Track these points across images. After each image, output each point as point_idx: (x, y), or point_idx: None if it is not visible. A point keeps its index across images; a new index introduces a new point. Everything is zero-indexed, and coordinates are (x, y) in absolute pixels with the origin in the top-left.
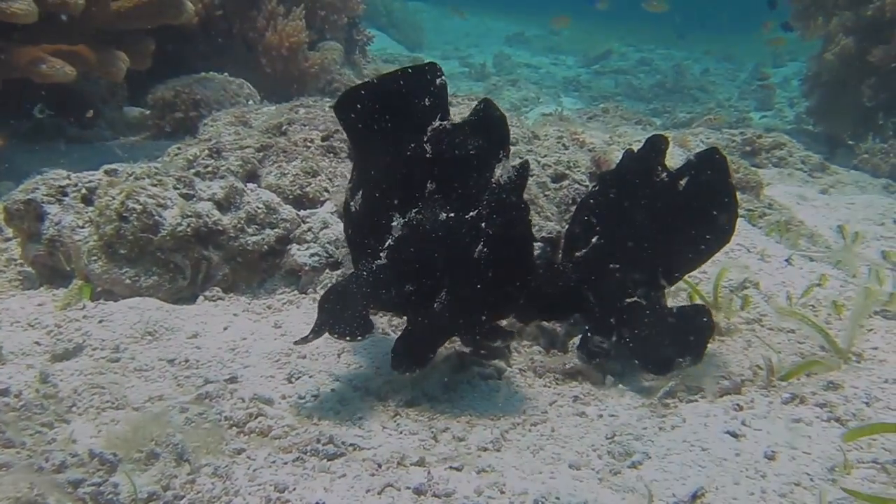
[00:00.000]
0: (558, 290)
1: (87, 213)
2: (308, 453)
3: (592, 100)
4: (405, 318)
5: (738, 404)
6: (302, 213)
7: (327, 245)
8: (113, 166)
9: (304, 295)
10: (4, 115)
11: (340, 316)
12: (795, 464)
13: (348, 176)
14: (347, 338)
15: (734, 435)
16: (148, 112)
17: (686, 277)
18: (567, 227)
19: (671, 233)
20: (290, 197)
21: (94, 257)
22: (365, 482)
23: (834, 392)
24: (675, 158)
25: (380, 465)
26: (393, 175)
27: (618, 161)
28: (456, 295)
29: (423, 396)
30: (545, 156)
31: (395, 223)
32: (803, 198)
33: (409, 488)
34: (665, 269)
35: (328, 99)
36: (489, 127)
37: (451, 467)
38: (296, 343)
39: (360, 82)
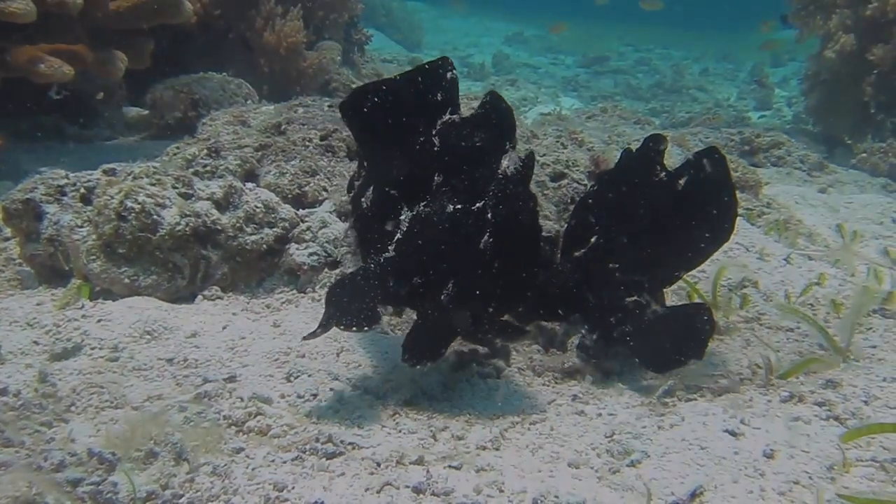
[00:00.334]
0: (557, 289)
1: (85, 212)
2: (307, 452)
3: (591, 99)
4: (407, 315)
5: (737, 403)
6: (301, 212)
7: (326, 244)
8: (111, 166)
9: (302, 294)
10: (3, 115)
11: (348, 308)
12: (794, 462)
13: (347, 175)
14: (354, 328)
15: (733, 433)
16: (147, 112)
17: (685, 276)
18: (566, 226)
19: (670, 232)
20: (289, 196)
21: (93, 257)
22: (364, 481)
23: (833, 390)
24: (673, 158)
25: (379, 464)
26: (402, 169)
27: (616, 160)
28: (463, 286)
29: (422, 395)
30: (544, 155)
31: (403, 216)
32: (802, 197)
33: (408, 487)
34: (665, 269)
35: (327, 98)
36: (496, 119)
37: (450, 466)
38: (304, 338)
39: (365, 82)
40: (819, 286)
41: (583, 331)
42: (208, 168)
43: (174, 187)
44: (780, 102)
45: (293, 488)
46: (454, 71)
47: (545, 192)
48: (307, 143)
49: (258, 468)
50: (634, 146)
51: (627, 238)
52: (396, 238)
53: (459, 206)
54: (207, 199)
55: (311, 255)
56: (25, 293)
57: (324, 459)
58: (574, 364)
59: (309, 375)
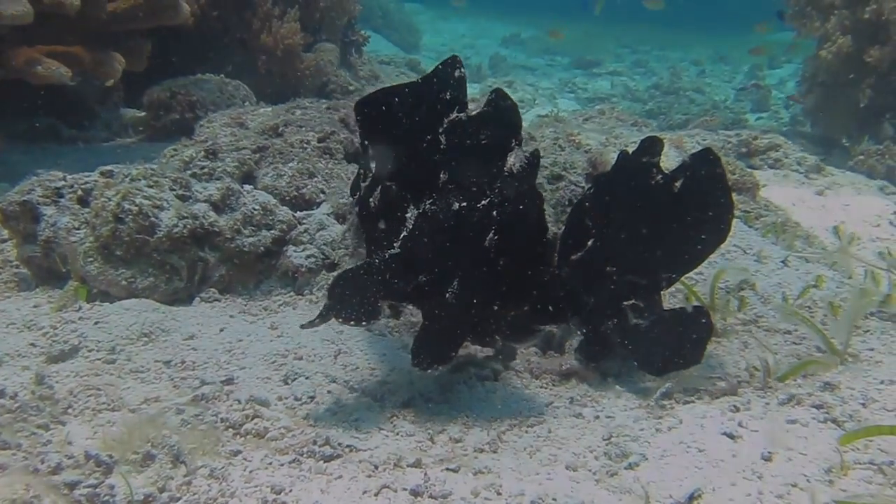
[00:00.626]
0: (555, 293)
1: (83, 214)
2: (304, 455)
3: (588, 101)
4: (405, 318)
5: (734, 405)
6: (298, 214)
7: (323, 246)
8: (109, 167)
9: (300, 296)
10: (0, 117)
11: (349, 302)
12: (792, 465)
13: (345, 177)
14: (352, 322)
15: (731, 436)
16: (144, 113)
17: (683, 279)
18: (562, 229)
19: (667, 234)
20: (287, 198)
21: (90, 259)
22: (361, 484)
23: (830, 393)
24: (671, 160)
25: (376, 467)
26: (409, 168)
27: (613, 162)
28: (468, 285)
29: (420, 398)
30: (541, 157)
31: (409, 214)
32: (799, 199)
33: (405, 490)
34: (662, 271)
35: (324, 100)
36: (501, 116)
37: (447, 469)
38: (302, 326)
39: (376, 86)
40: (817, 288)
41: (580, 333)
42: (206, 170)
43: (172, 189)
44: (777, 104)
45: (291, 491)
46: (462, 69)
47: (543, 193)
48: (305, 146)
49: (256, 471)
50: (632, 148)
51: (624, 241)
52: (402, 235)
53: (465, 204)
54: (205, 201)
55: (308, 257)
56: (22, 295)
57: (321, 462)
58: (572, 366)
59: (306, 378)
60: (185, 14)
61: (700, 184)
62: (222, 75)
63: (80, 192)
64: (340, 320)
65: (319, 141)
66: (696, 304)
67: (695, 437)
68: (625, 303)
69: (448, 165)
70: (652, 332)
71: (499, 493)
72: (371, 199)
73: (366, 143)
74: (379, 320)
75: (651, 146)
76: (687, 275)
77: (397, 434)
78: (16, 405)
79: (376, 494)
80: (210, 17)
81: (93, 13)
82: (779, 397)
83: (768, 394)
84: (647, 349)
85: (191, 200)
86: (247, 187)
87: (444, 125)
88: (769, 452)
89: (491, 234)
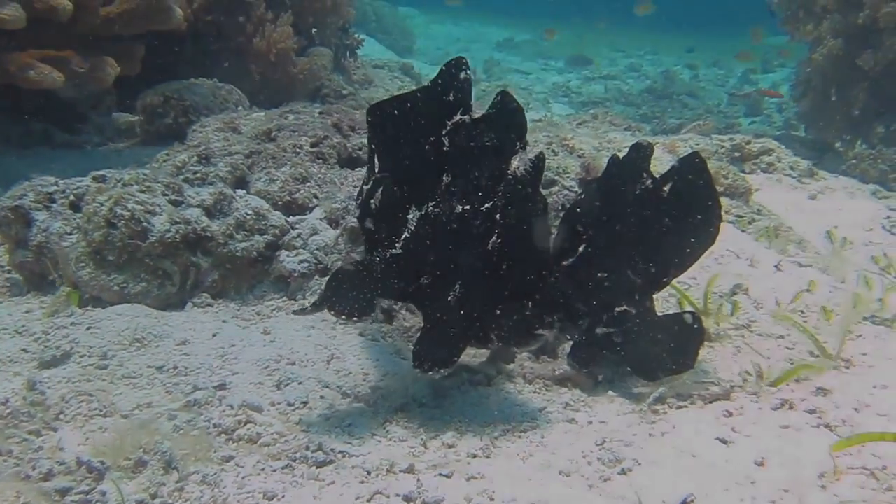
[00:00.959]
0: (555, 298)
1: (75, 219)
2: (297, 460)
3: (582, 105)
4: (398, 322)
5: (727, 410)
6: (291, 219)
7: (316, 251)
8: (101, 172)
9: (293, 301)
10: None
11: (345, 295)
12: (785, 470)
13: (338, 182)
14: (344, 317)
15: (724, 441)
16: (137, 118)
17: (676, 284)
18: (554, 235)
19: (658, 238)
20: (280, 203)
21: (82, 264)
22: (354, 489)
23: (823, 398)
24: (664, 164)
25: (369, 473)
26: (412, 169)
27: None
28: (470, 288)
29: (413, 403)
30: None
31: (410, 215)
32: (792, 203)
33: (398, 495)
34: (653, 275)
35: (318, 105)
36: (506, 119)
37: (440, 474)
38: (294, 313)
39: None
40: (809, 293)
41: (573, 338)
42: (199, 175)
43: (164, 194)
44: (770, 108)
45: (283, 497)
46: (468, 71)
47: None
48: (298, 150)
49: (248, 477)
50: (623, 153)
51: (616, 246)
52: (404, 236)
53: (468, 207)
54: (198, 206)
55: (301, 262)
56: (14, 300)
57: (314, 468)
58: (565, 371)
59: (299, 383)
60: (178, 18)
61: (687, 187)
62: (215, 80)
63: (72, 197)
64: (333, 312)
65: (312, 146)
66: (688, 309)
67: (688, 443)
68: (617, 308)
69: (451, 167)
70: (645, 337)
71: (492, 499)
72: (373, 200)
73: (373, 146)
74: (370, 317)
75: (641, 151)
76: (680, 280)
77: (390, 439)
78: (7, 411)
79: (369, 500)
80: (203, 22)
81: (86, 18)
82: (772, 402)
83: (761, 399)
84: (640, 354)
85: (183, 205)
86: (239, 192)
87: (448, 127)
88: (762, 457)
89: (494, 238)
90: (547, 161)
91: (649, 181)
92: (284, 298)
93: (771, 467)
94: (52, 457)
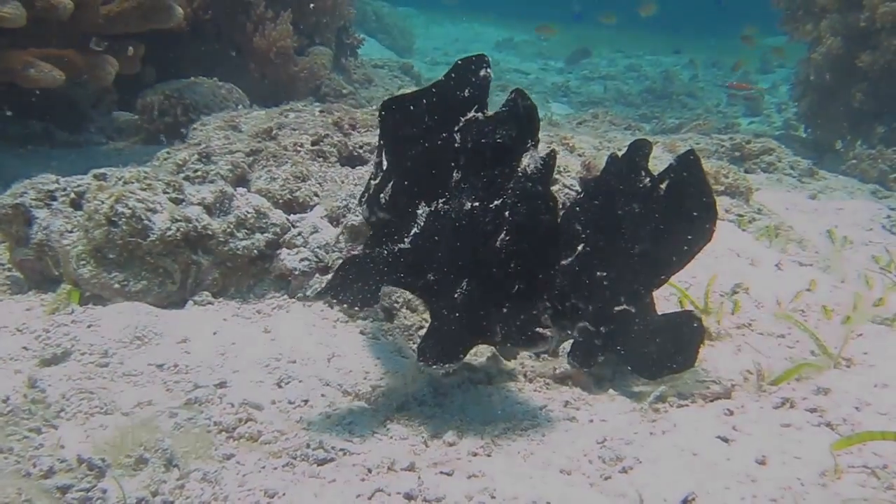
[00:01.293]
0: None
1: (75, 217)
2: (298, 458)
3: (582, 105)
4: (399, 321)
5: (728, 409)
6: (292, 217)
7: (317, 250)
8: (102, 170)
9: (293, 300)
10: None
11: (350, 285)
12: (786, 469)
13: (338, 181)
14: (346, 305)
15: (725, 440)
16: (137, 116)
17: (677, 283)
18: None
19: (655, 236)
20: (280, 201)
21: (83, 262)
22: (355, 487)
23: (824, 396)
24: (665, 164)
25: (370, 470)
26: (423, 165)
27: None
28: (477, 285)
29: (414, 401)
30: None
31: (420, 211)
32: (792, 203)
33: (399, 493)
34: (651, 273)
35: (318, 103)
36: (519, 116)
37: (441, 472)
38: (297, 298)
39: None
40: (810, 292)
41: (573, 337)
42: (199, 173)
43: (165, 192)
44: (769, 109)
45: (284, 495)
46: (489, 69)
47: None
48: (298, 149)
49: (249, 474)
50: (622, 152)
51: (614, 245)
52: (413, 232)
53: (477, 204)
54: (198, 204)
55: (302, 260)
56: (15, 298)
57: (315, 466)
58: (565, 370)
59: (300, 381)
60: (178, 17)
61: (683, 185)
62: (215, 78)
63: (73, 195)
64: (336, 301)
65: (313, 144)
66: (689, 307)
67: (689, 441)
68: (617, 307)
69: (461, 164)
70: (645, 336)
71: (493, 497)
72: (382, 195)
73: (381, 142)
74: (371, 312)
75: (639, 149)
76: (681, 279)
77: (391, 438)
78: (8, 409)
79: (370, 498)
80: (203, 21)
81: (86, 16)
82: (773, 401)
83: (762, 397)
84: (641, 353)
85: (184, 203)
86: (240, 190)
87: (460, 124)
88: (763, 456)
89: (502, 235)
90: None
91: (647, 179)
92: (285, 297)
93: (772, 466)
94: (53, 454)
